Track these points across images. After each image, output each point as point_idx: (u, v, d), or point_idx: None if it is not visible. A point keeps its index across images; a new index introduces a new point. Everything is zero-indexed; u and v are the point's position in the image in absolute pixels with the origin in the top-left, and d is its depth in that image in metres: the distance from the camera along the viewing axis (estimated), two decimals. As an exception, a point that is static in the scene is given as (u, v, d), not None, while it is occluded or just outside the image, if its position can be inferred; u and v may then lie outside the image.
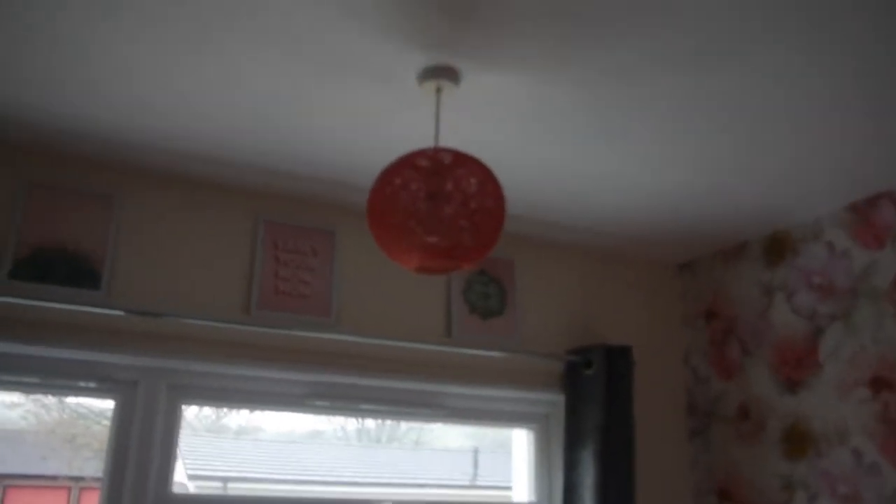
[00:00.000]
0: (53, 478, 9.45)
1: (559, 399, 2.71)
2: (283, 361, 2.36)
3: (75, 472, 9.40)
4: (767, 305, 2.75)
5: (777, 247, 2.76)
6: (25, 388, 2.14)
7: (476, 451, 9.30)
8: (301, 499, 2.35)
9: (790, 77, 1.77)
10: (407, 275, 2.60)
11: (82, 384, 2.20)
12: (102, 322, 2.17)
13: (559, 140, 2.12)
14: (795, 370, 2.61)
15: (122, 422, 2.21)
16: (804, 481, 2.51)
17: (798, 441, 2.55)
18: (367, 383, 2.49)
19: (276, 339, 2.36)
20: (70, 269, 2.18)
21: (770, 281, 2.76)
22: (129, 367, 2.23)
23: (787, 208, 2.57)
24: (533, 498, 2.73)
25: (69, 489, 9.57)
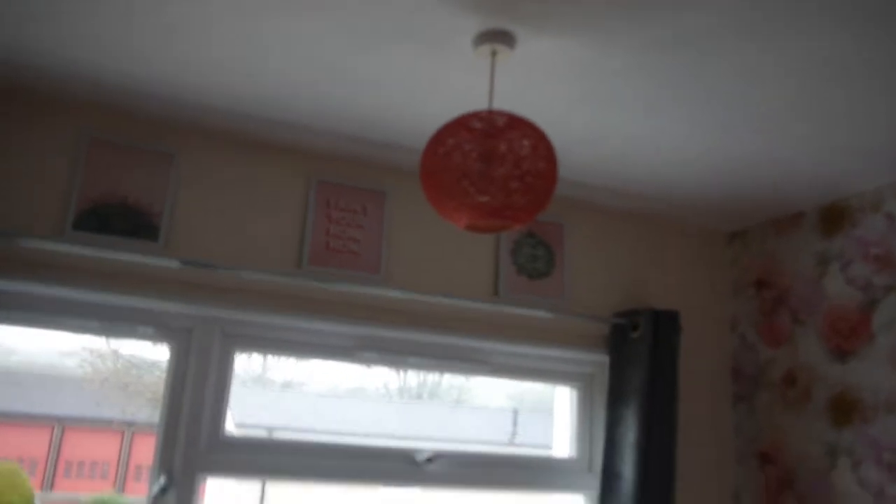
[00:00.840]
0: (108, 422, 9.86)
1: (604, 360, 2.73)
2: (333, 314, 2.42)
3: (128, 418, 9.77)
4: (821, 275, 2.71)
5: (834, 217, 2.70)
6: (87, 331, 2.23)
7: (516, 412, 9.38)
8: (348, 445, 2.42)
9: (851, 45, 1.72)
10: (456, 235, 2.63)
11: (140, 329, 2.28)
12: (159, 273, 2.25)
13: (613, 104, 2.10)
14: (847, 340, 2.57)
15: (178, 367, 2.29)
16: (849, 448, 2.49)
17: (845, 409, 2.53)
18: (414, 338, 2.54)
19: (326, 293, 2.42)
20: (129, 222, 2.25)
21: (825, 251, 2.71)
22: (184, 315, 2.30)
23: (847, 178, 2.51)
24: (574, 454, 2.77)
25: (123, 433, 9.98)
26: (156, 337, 2.30)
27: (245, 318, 2.36)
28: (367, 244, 2.50)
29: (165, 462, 2.22)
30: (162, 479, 2.19)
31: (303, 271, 2.40)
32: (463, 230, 2.60)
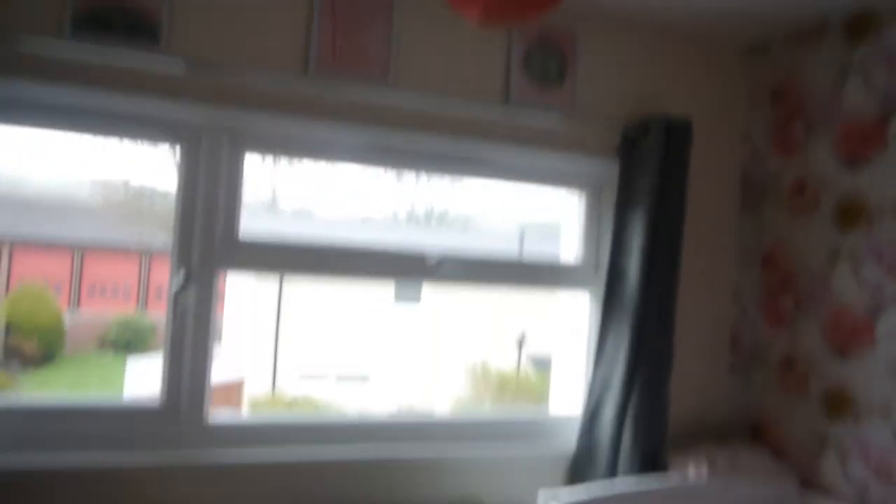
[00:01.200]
0: (126, 246, 10.16)
1: (614, 168, 2.73)
2: (341, 118, 2.40)
3: (145, 243, 10.06)
4: (840, 86, 2.64)
5: (860, 26, 2.59)
6: (94, 131, 2.22)
7: (522, 232, 9.57)
8: (361, 248, 2.49)
9: None
10: (467, 41, 2.55)
11: (148, 131, 2.28)
12: (164, 77, 2.21)
13: None
14: (859, 147, 2.55)
15: (189, 167, 2.30)
16: (852, 252, 2.55)
17: (851, 215, 2.56)
18: (424, 142, 2.53)
19: (334, 98, 2.39)
20: (129, 27, 2.18)
21: (847, 62, 2.62)
22: (191, 118, 2.28)
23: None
24: (581, 257, 2.85)
25: (141, 256, 10.32)
26: (164, 138, 2.29)
27: (253, 121, 2.34)
28: (375, 49, 2.43)
29: (183, 257, 2.29)
30: (181, 273, 2.27)
31: (310, 75, 2.36)
32: (474, 32, 2.53)
